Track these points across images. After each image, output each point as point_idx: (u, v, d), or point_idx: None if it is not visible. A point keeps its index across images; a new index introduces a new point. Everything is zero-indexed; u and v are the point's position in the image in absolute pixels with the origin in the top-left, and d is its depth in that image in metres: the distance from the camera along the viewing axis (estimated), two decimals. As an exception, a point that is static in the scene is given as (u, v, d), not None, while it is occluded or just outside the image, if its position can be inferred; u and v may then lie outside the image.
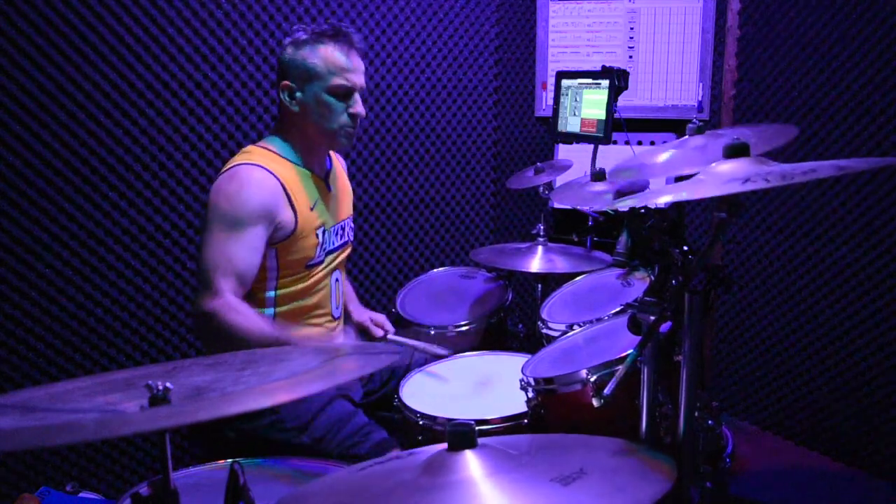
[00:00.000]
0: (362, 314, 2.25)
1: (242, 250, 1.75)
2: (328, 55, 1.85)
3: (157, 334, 2.43)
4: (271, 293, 1.88)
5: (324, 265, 1.96)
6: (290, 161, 1.89)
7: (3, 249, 2.16)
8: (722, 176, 1.13)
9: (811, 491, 2.24)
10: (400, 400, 1.82)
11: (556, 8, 2.99)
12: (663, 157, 1.65)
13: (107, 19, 2.21)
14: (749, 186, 1.03)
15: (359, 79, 1.89)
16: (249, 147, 1.91)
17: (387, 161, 2.88)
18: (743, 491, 2.12)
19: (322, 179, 1.97)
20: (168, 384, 0.90)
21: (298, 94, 1.86)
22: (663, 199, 1.11)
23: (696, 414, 1.26)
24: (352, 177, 2.84)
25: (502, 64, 3.09)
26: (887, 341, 2.28)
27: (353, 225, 2.14)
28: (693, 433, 1.25)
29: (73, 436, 0.76)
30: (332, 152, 2.08)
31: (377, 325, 2.22)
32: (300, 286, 1.91)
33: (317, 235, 1.91)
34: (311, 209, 1.89)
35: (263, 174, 1.80)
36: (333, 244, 2.00)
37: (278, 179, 1.81)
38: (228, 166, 1.83)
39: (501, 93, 3.11)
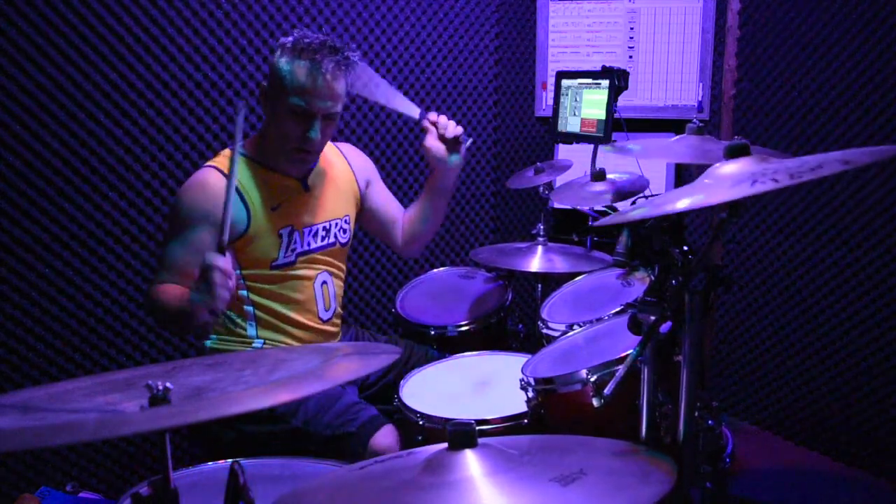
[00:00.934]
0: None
1: (178, 249, 1.81)
2: (297, 73, 1.80)
3: (157, 334, 2.43)
4: (243, 292, 1.89)
5: (295, 266, 1.94)
6: (256, 161, 1.90)
7: (3, 249, 2.16)
8: (729, 178, 1.12)
9: (811, 491, 2.24)
10: (400, 400, 1.82)
11: (556, 8, 2.99)
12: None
13: (107, 19, 2.21)
14: (758, 188, 1.02)
15: (322, 103, 1.82)
16: (222, 151, 1.95)
17: (387, 161, 2.88)
18: (743, 491, 2.12)
19: (297, 180, 1.94)
20: (168, 384, 0.90)
21: (267, 102, 1.87)
22: (679, 206, 1.09)
23: (696, 414, 1.25)
24: (352, 177, 2.84)
25: (502, 64, 3.09)
26: (887, 341, 2.28)
27: (347, 227, 2.07)
28: (693, 433, 1.25)
29: (72, 436, 0.76)
30: (332, 147, 2.08)
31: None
32: (273, 288, 1.91)
33: (279, 236, 1.89)
34: (274, 209, 1.88)
35: (212, 175, 1.83)
36: (309, 245, 1.96)
37: (221, 187, 1.78)
38: (191, 177, 1.88)
39: (501, 93, 3.11)
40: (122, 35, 2.24)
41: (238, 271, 1.86)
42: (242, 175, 1.87)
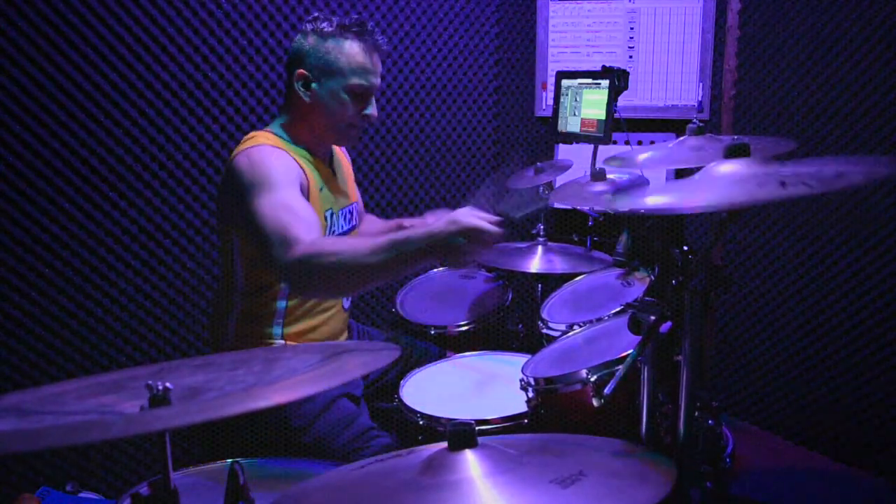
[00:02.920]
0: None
1: (295, 200, 1.71)
2: (352, 53, 1.82)
3: (158, 334, 2.43)
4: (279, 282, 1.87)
5: None
6: (295, 146, 1.89)
7: (3, 249, 2.16)
8: (750, 179, 1.11)
9: (811, 491, 2.24)
10: (400, 400, 1.82)
11: (556, 8, 2.99)
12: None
13: (107, 19, 2.21)
14: (791, 191, 1.01)
15: (377, 80, 1.88)
16: (253, 133, 1.89)
17: (387, 161, 2.88)
18: (743, 491, 2.12)
19: (326, 165, 1.98)
20: (168, 384, 0.90)
21: (314, 86, 1.85)
22: (704, 204, 1.07)
23: (696, 414, 1.25)
24: (352, 177, 2.84)
25: (502, 64, 3.09)
26: (888, 341, 2.28)
27: (361, 209, 2.14)
28: (693, 433, 1.25)
29: (86, 436, 0.76)
30: None
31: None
32: None
33: (325, 218, 1.90)
34: (320, 191, 1.89)
35: (280, 152, 1.80)
36: (342, 227, 2.00)
37: (293, 158, 1.82)
38: (241, 149, 1.81)
39: (501, 93, 3.11)
40: (122, 35, 2.24)
41: None
42: (296, 155, 1.85)
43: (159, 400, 0.89)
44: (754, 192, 1.04)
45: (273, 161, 1.76)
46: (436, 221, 1.53)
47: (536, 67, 3.06)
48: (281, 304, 1.88)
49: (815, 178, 1.03)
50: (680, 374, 1.26)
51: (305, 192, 1.80)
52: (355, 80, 1.83)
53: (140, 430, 0.81)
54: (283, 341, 1.90)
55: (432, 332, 2.26)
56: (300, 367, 1.02)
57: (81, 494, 2.27)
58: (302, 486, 1.14)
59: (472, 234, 1.46)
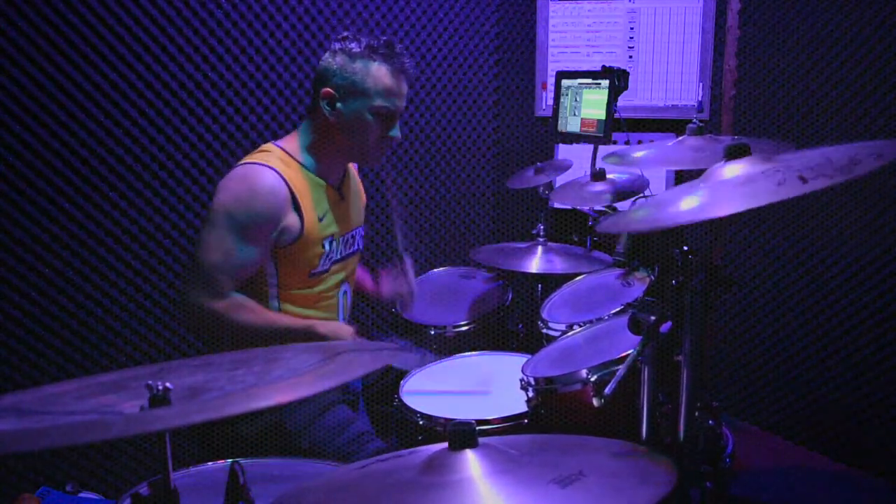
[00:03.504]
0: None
1: (244, 251, 1.76)
2: (379, 75, 1.83)
3: (158, 334, 2.43)
4: (274, 302, 1.87)
5: (329, 274, 1.95)
6: (306, 168, 1.88)
7: (3, 249, 2.16)
8: (765, 177, 1.11)
9: (811, 491, 2.24)
10: (400, 400, 1.82)
11: (556, 8, 2.99)
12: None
13: (107, 19, 2.21)
14: (813, 185, 1.01)
15: (402, 104, 1.89)
16: (268, 145, 1.90)
17: (387, 161, 2.88)
18: (743, 491, 2.12)
19: (335, 189, 1.96)
20: (168, 384, 0.90)
21: (339, 105, 1.84)
22: (725, 211, 1.06)
23: (696, 414, 1.25)
24: (352, 177, 2.84)
25: (502, 64, 3.09)
26: (888, 341, 2.28)
27: (363, 233, 2.13)
28: (693, 433, 1.25)
29: (86, 436, 0.76)
30: None
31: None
32: (305, 296, 1.91)
33: (323, 245, 1.90)
34: (321, 220, 1.88)
35: (273, 178, 1.78)
36: (341, 254, 1.98)
37: (287, 184, 1.80)
38: (241, 163, 1.83)
39: (501, 93, 3.11)
40: (122, 35, 2.24)
41: (275, 279, 1.86)
42: (298, 181, 1.84)
43: (159, 400, 0.89)
44: (776, 190, 1.04)
45: (252, 196, 1.76)
46: (318, 324, 1.85)
47: (536, 67, 3.06)
48: (273, 304, 1.88)
49: (829, 167, 1.03)
50: (680, 374, 1.26)
51: (296, 223, 1.82)
52: (380, 103, 1.84)
53: (140, 430, 0.81)
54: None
55: (432, 333, 2.26)
56: (300, 367, 1.02)
57: (81, 494, 2.27)
58: (302, 486, 1.14)
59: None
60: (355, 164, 2.17)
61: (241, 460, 1.31)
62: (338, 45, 1.85)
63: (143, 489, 1.00)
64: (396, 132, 1.90)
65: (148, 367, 1.11)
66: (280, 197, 1.78)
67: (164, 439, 0.95)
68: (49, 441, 0.75)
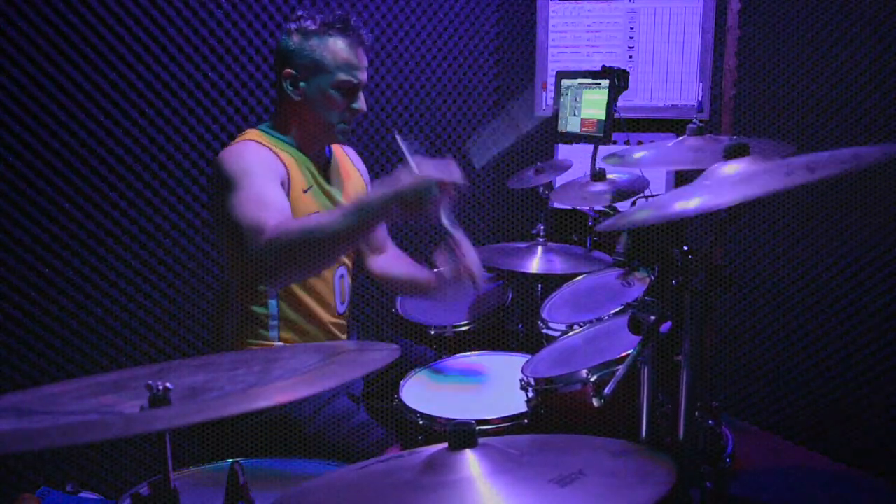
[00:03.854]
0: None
1: (268, 190, 1.73)
2: (337, 50, 1.84)
3: (158, 334, 2.43)
4: (267, 288, 1.88)
5: None
6: (287, 143, 1.90)
7: (3, 249, 2.16)
8: (772, 171, 1.10)
9: (811, 491, 2.24)
10: (400, 400, 1.82)
11: (556, 8, 2.99)
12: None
13: (107, 19, 2.21)
14: (820, 173, 1.00)
15: (364, 75, 1.90)
16: (249, 130, 1.93)
17: (387, 161, 2.88)
18: (743, 491, 2.12)
19: (319, 166, 1.97)
20: (168, 384, 0.90)
21: (302, 84, 1.86)
22: (741, 197, 1.06)
23: (696, 414, 1.25)
24: (352, 177, 2.84)
25: (502, 64, 3.09)
26: (888, 341, 2.28)
27: None
28: (693, 433, 1.25)
29: (86, 436, 0.76)
30: (339, 147, 2.08)
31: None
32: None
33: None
34: (305, 192, 1.88)
35: (262, 148, 1.83)
36: None
37: (276, 155, 1.83)
38: (227, 147, 1.86)
39: (501, 93, 3.11)
40: (122, 35, 2.24)
41: None
42: (282, 153, 1.86)
43: (159, 400, 0.89)
44: (784, 179, 1.03)
45: (250, 156, 1.79)
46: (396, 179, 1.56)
47: (536, 67, 3.06)
48: (272, 303, 1.88)
49: (835, 160, 1.03)
50: (680, 374, 1.26)
51: (286, 189, 1.82)
52: (342, 77, 1.85)
53: (140, 430, 0.81)
54: (280, 343, 1.90)
55: (432, 332, 2.26)
56: (300, 368, 1.02)
57: (81, 494, 2.27)
58: (302, 486, 1.14)
59: (435, 185, 1.54)
60: (352, 158, 2.16)
61: (241, 460, 1.31)
62: (293, 25, 1.86)
63: (143, 489, 1.00)
64: (360, 104, 1.90)
65: (148, 367, 1.11)
66: (274, 160, 1.81)
67: (164, 439, 0.95)
68: (49, 441, 0.75)
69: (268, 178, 1.77)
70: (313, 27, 1.84)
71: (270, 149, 1.84)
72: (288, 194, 1.81)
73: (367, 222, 1.57)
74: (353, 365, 1.03)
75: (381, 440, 1.83)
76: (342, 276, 2.04)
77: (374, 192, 1.60)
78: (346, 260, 2.07)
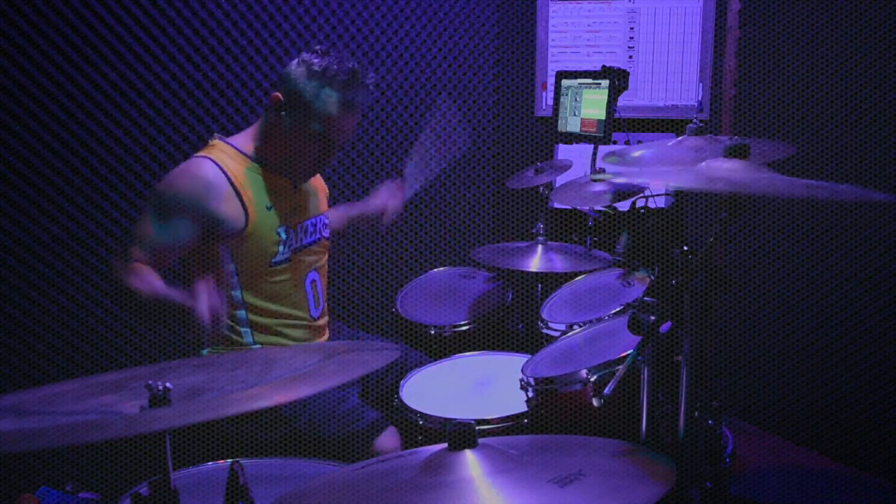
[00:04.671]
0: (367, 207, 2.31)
1: (163, 233, 1.77)
2: (328, 102, 1.80)
3: (158, 334, 2.43)
4: (237, 293, 1.87)
5: (290, 263, 1.94)
6: (251, 159, 1.89)
7: (2, 250, 2.16)
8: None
9: (811, 491, 2.24)
10: (400, 400, 1.82)
11: (556, 8, 2.99)
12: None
13: (107, 19, 2.21)
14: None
15: (342, 137, 1.87)
16: (215, 140, 1.91)
17: (387, 161, 2.88)
18: (743, 491, 2.12)
19: (286, 178, 1.96)
20: (168, 384, 0.90)
21: (283, 113, 1.84)
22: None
23: (696, 414, 1.25)
24: (352, 177, 2.84)
25: (502, 64, 3.09)
26: (888, 341, 2.28)
27: (327, 222, 2.10)
28: (693, 433, 1.25)
29: (86, 436, 0.76)
30: None
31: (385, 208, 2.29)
32: (268, 287, 1.90)
33: (278, 233, 1.89)
34: (269, 208, 1.88)
35: (210, 169, 1.81)
36: (300, 241, 1.97)
37: (227, 176, 1.81)
38: (184, 163, 1.86)
39: (501, 93, 3.11)
40: (122, 35, 2.24)
41: (234, 272, 1.86)
42: (239, 173, 1.85)
43: (159, 400, 0.89)
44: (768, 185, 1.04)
45: (180, 183, 1.79)
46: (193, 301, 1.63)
47: (536, 67, 3.06)
48: (241, 312, 1.89)
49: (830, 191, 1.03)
50: (680, 374, 1.26)
51: (238, 213, 1.81)
52: (317, 127, 1.82)
53: (140, 430, 0.81)
54: (258, 346, 1.90)
55: (432, 332, 2.27)
56: (300, 368, 1.02)
57: (81, 494, 2.27)
58: (302, 486, 1.14)
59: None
60: None
61: (241, 460, 1.31)
62: (305, 55, 1.84)
63: (143, 489, 1.00)
64: (329, 160, 1.91)
65: (148, 367, 1.11)
66: (213, 187, 1.79)
67: (164, 439, 0.95)
68: (48, 441, 0.75)
69: (173, 215, 1.77)
70: (317, 68, 1.80)
71: (226, 170, 1.82)
72: (246, 212, 1.82)
73: (156, 314, 1.68)
74: (353, 365, 1.03)
75: (375, 422, 1.83)
76: (314, 281, 2.03)
77: (174, 296, 1.64)
78: (318, 260, 2.06)
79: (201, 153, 1.87)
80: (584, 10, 2.97)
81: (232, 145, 1.89)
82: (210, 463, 1.47)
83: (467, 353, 2.09)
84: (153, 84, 2.32)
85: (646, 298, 1.23)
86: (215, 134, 1.94)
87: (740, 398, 2.73)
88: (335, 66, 1.80)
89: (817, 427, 2.49)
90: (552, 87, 2.55)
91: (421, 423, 1.73)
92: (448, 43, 2.94)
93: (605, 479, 1.01)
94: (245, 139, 1.92)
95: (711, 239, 1.17)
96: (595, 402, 1.44)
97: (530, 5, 3.03)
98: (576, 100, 2.43)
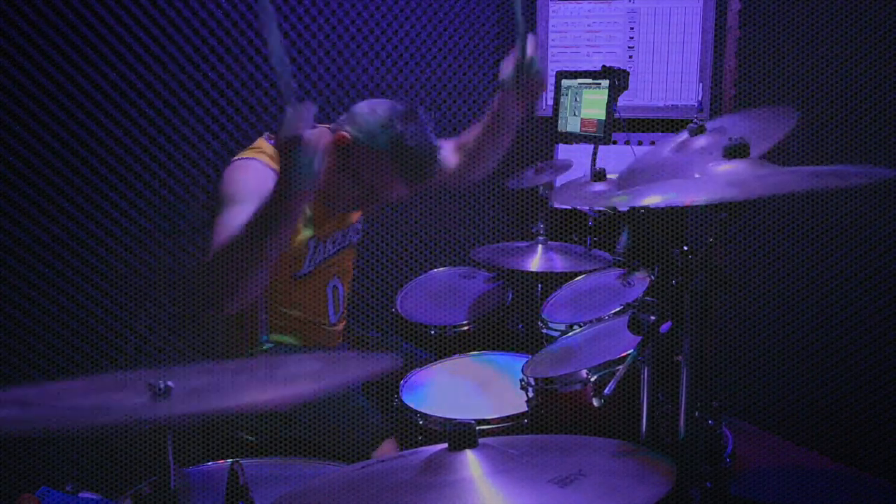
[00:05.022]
0: None
1: (242, 217, 1.66)
2: (398, 169, 1.77)
3: (157, 334, 2.43)
4: (259, 300, 1.86)
5: (313, 275, 1.94)
6: None
7: (2, 250, 2.16)
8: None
9: (811, 491, 2.24)
10: (400, 400, 1.82)
11: (556, 8, 2.99)
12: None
13: (107, 19, 2.21)
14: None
15: (394, 198, 1.85)
16: (260, 141, 1.88)
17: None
18: (743, 491, 2.12)
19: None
20: (169, 382, 0.90)
21: (340, 153, 1.78)
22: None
23: (696, 414, 1.25)
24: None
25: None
26: (888, 340, 2.28)
27: (359, 227, 2.11)
28: (693, 433, 1.25)
29: (71, 425, 0.76)
30: None
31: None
32: (289, 295, 1.90)
33: (307, 247, 1.89)
34: (307, 222, 1.87)
35: (266, 169, 1.78)
36: (329, 252, 1.98)
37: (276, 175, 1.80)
38: (236, 158, 1.83)
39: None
40: (122, 35, 2.24)
41: None
42: None
43: (161, 396, 0.89)
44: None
45: (247, 179, 1.73)
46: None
47: (536, 67, 3.06)
48: (262, 315, 1.88)
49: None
50: (680, 374, 1.26)
51: None
52: (375, 183, 1.79)
53: (140, 427, 0.81)
54: (271, 344, 1.90)
55: (432, 332, 2.27)
56: (301, 372, 1.02)
57: (81, 494, 2.27)
58: (302, 486, 1.14)
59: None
60: None
61: (241, 460, 1.31)
62: (388, 108, 1.78)
63: (144, 489, 1.00)
64: (371, 209, 1.91)
65: (158, 368, 1.12)
66: (260, 173, 1.76)
67: (165, 439, 0.95)
68: (48, 425, 0.75)
69: (245, 201, 1.69)
70: (400, 134, 1.75)
71: (272, 169, 1.78)
72: None
73: (277, 210, 1.44)
74: (353, 370, 1.04)
75: (379, 427, 1.83)
76: (335, 287, 2.03)
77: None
78: (341, 268, 2.06)
79: (247, 155, 1.82)
80: (584, 10, 2.97)
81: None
82: (210, 463, 1.46)
83: (467, 353, 2.09)
84: (153, 84, 2.32)
85: (646, 298, 1.23)
86: (265, 133, 1.90)
87: (740, 398, 2.73)
88: (415, 141, 1.77)
89: (817, 427, 2.49)
90: (552, 87, 2.55)
91: (421, 423, 1.73)
92: (448, 43, 2.94)
93: (605, 479, 1.01)
94: None
95: (711, 239, 1.17)
96: (595, 402, 1.44)
97: (530, 5, 3.03)
98: (576, 100, 2.43)
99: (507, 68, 1.87)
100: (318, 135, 1.38)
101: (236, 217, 1.63)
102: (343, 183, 1.82)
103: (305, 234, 1.87)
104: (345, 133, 1.78)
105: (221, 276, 1.52)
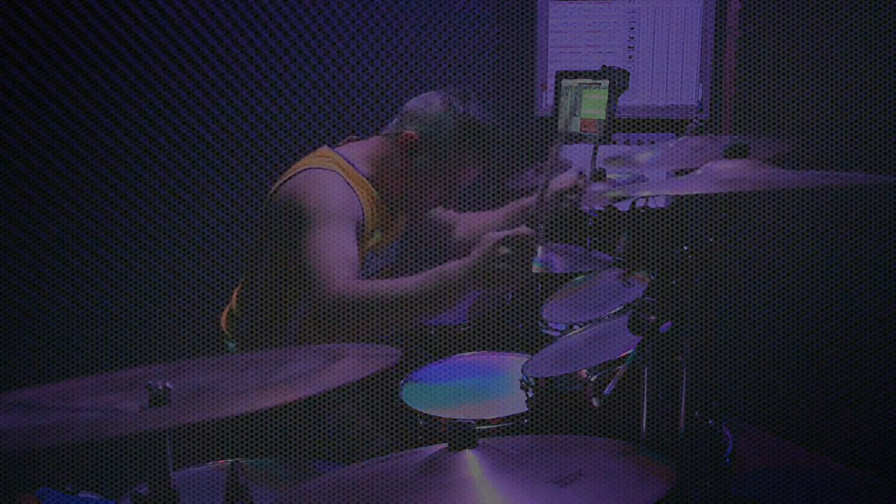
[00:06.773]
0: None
1: (344, 238, 1.62)
2: (470, 151, 1.76)
3: (157, 335, 2.43)
4: (292, 323, 1.84)
5: None
6: (366, 178, 1.82)
7: (2, 250, 2.16)
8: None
9: (811, 491, 2.24)
10: (400, 400, 1.82)
11: (556, 8, 2.99)
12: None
13: (107, 19, 2.21)
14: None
15: (471, 181, 1.85)
16: (325, 150, 1.82)
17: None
18: (743, 491, 2.12)
19: (389, 202, 1.92)
20: (168, 384, 0.90)
21: (412, 152, 1.76)
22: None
23: (696, 414, 1.25)
24: (352, 177, 2.84)
25: (502, 64, 3.08)
26: (887, 341, 2.28)
27: (398, 245, 2.09)
28: (693, 433, 1.25)
29: (68, 436, 0.76)
30: None
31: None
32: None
33: (365, 258, 1.87)
34: (372, 233, 1.84)
35: (338, 179, 1.71)
36: (376, 266, 1.97)
37: (356, 194, 1.75)
38: (302, 168, 1.74)
39: (501, 93, 3.11)
40: (122, 35, 2.24)
41: (299, 301, 1.80)
42: (361, 193, 1.77)
43: (159, 400, 0.89)
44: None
45: (334, 195, 1.67)
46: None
47: (536, 67, 3.06)
48: (290, 325, 1.86)
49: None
50: (680, 374, 1.26)
51: (359, 233, 1.72)
52: (450, 172, 1.78)
53: (140, 429, 0.81)
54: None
55: (432, 332, 2.26)
56: (303, 370, 1.02)
57: (81, 494, 2.27)
58: (302, 486, 1.14)
59: (509, 246, 1.39)
60: None
61: (241, 460, 1.31)
62: (444, 97, 1.77)
63: (144, 489, 1.00)
64: (450, 202, 1.87)
65: (165, 365, 1.12)
66: (353, 197, 1.71)
67: (165, 439, 0.95)
68: (48, 440, 0.75)
69: (348, 226, 1.64)
70: (463, 115, 1.74)
71: (351, 186, 1.74)
72: (358, 238, 1.70)
73: (441, 293, 1.42)
74: (355, 367, 1.04)
75: (385, 449, 1.82)
76: None
77: (451, 264, 1.45)
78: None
79: (321, 165, 1.74)
80: (584, 10, 2.97)
81: (346, 160, 1.80)
82: (210, 463, 1.46)
83: (467, 353, 2.08)
84: (154, 84, 2.32)
85: (646, 298, 1.23)
86: (326, 147, 1.85)
87: (740, 398, 2.73)
88: (481, 116, 1.76)
89: (817, 427, 2.49)
90: (552, 87, 2.54)
91: (421, 423, 1.73)
92: (448, 43, 2.94)
93: (605, 479, 1.01)
94: (359, 157, 1.82)
95: (711, 239, 1.17)
96: (595, 403, 1.44)
97: (530, 5, 3.03)
98: (576, 100, 2.43)
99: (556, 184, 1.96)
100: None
101: (334, 237, 1.57)
102: (419, 182, 1.79)
103: (374, 243, 1.83)
104: (410, 132, 1.77)
105: (359, 324, 1.49)
